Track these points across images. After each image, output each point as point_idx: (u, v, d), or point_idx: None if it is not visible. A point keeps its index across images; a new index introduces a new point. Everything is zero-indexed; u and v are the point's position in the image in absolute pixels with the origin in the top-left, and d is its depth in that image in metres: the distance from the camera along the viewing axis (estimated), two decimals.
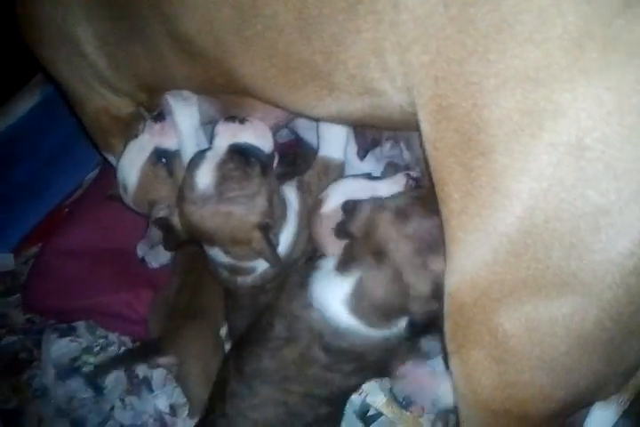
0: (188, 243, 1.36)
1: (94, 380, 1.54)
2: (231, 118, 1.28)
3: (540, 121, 0.74)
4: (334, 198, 1.24)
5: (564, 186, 0.74)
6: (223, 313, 1.52)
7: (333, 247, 1.20)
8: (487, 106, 0.77)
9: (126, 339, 1.67)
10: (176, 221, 1.28)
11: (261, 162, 1.24)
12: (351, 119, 1.12)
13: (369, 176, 1.30)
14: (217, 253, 1.31)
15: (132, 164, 1.38)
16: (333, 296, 1.14)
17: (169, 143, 1.38)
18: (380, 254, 1.10)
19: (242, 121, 1.27)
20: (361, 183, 1.25)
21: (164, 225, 1.32)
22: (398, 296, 1.11)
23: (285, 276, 1.30)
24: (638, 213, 0.72)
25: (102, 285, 1.66)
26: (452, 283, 0.87)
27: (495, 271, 0.82)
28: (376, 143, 1.33)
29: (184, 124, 1.36)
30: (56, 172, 2.04)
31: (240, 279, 1.36)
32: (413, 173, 1.26)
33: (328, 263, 1.19)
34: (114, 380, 1.59)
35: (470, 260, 0.84)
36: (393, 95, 0.96)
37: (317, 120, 1.31)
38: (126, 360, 1.53)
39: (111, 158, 1.55)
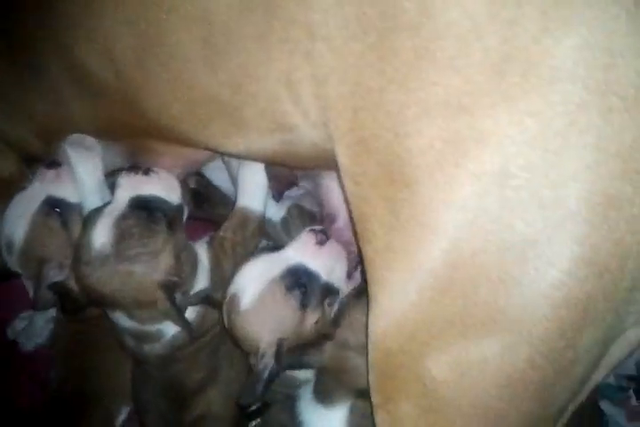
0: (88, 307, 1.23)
1: None
2: (134, 169, 1.19)
3: (464, 149, 0.72)
4: (250, 289, 1.09)
5: (489, 217, 0.72)
6: (120, 397, 1.36)
7: (269, 343, 1.07)
8: (409, 135, 0.75)
9: None
10: (72, 284, 1.16)
11: (167, 216, 1.15)
12: (260, 157, 1.07)
13: (270, 248, 1.19)
14: (120, 318, 1.19)
15: (19, 215, 1.24)
16: None
17: (64, 192, 1.27)
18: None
19: (146, 171, 1.18)
20: (269, 260, 1.13)
21: (60, 290, 1.19)
22: None
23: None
24: (566, 242, 0.70)
25: None
26: (376, 329, 0.82)
27: (422, 311, 0.78)
28: (290, 184, 1.27)
29: (86, 176, 1.25)
30: None
31: (147, 347, 1.23)
32: (317, 227, 1.19)
33: (305, 393, 1.11)
34: None
35: (396, 301, 0.79)
36: (306, 131, 0.93)
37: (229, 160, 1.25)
38: None
39: None
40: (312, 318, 1.10)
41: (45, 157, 1.32)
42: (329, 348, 1.08)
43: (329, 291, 1.12)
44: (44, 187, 1.27)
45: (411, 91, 0.74)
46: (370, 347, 0.84)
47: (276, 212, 1.38)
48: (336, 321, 1.10)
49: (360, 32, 0.77)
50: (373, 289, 0.82)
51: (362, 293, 1.07)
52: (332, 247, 1.15)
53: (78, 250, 1.14)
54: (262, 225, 1.28)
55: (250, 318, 1.08)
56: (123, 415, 1.38)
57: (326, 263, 1.13)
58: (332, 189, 1.21)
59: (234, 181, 1.29)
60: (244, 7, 0.87)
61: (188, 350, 1.24)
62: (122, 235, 1.11)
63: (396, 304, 0.79)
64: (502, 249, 0.72)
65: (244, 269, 1.12)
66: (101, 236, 1.11)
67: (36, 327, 1.51)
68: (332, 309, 1.13)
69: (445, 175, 0.73)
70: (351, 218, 0.86)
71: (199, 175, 1.43)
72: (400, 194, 0.77)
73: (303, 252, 1.13)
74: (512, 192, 0.71)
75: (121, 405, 1.37)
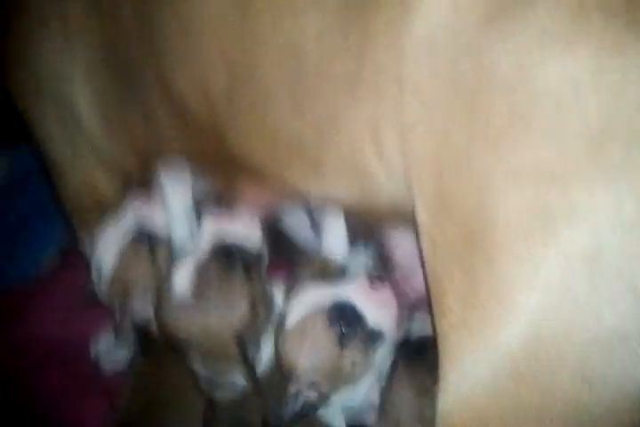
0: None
1: None
2: (217, 209, 1.20)
3: (554, 226, 0.66)
4: (295, 312, 1.09)
5: (575, 303, 0.65)
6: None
7: (305, 366, 1.06)
8: (495, 204, 0.69)
9: None
10: (154, 328, 1.19)
11: (246, 263, 1.14)
12: (338, 204, 1.06)
13: (330, 278, 1.17)
14: (195, 365, 1.19)
15: (109, 242, 1.25)
16: None
17: (154, 222, 1.27)
18: None
19: (230, 211, 1.18)
20: (321, 290, 1.11)
21: (142, 333, 1.22)
22: None
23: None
24: None
25: (48, 387, 1.50)
26: (445, 404, 0.76)
27: (494, 397, 0.72)
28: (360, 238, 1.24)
29: (175, 205, 1.26)
30: (8, 257, 1.88)
31: (218, 394, 1.22)
32: (375, 273, 1.16)
33: None
34: None
35: (467, 380, 0.73)
36: (386, 183, 0.89)
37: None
38: None
39: (86, 239, 1.42)
40: (350, 358, 1.07)
41: (141, 182, 1.34)
42: None
43: (373, 336, 1.09)
44: (134, 216, 1.27)
45: (500, 153, 0.69)
46: (437, 421, 0.78)
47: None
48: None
49: (450, 83, 0.73)
50: (445, 366, 0.77)
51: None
52: (385, 293, 1.12)
53: (160, 294, 1.16)
54: (343, 272, 1.24)
55: (290, 341, 1.08)
56: None
57: (375, 307, 1.09)
58: (399, 245, 1.18)
59: (313, 227, 1.27)
60: (337, 46, 0.85)
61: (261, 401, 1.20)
62: (201, 284, 1.11)
63: (467, 386, 0.74)
64: (587, 340, 0.65)
65: (298, 292, 1.13)
66: (182, 283, 1.12)
67: (119, 349, 1.51)
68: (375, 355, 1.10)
69: (531, 253, 0.67)
70: (426, 282, 0.81)
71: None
72: (481, 269, 0.72)
73: (355, 291, 1.10)
74: (603, 280, 0.63)
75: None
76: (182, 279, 1.12)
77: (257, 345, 1.15)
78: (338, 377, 1.08)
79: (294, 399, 1.04)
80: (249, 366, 1.12)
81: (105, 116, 1.26)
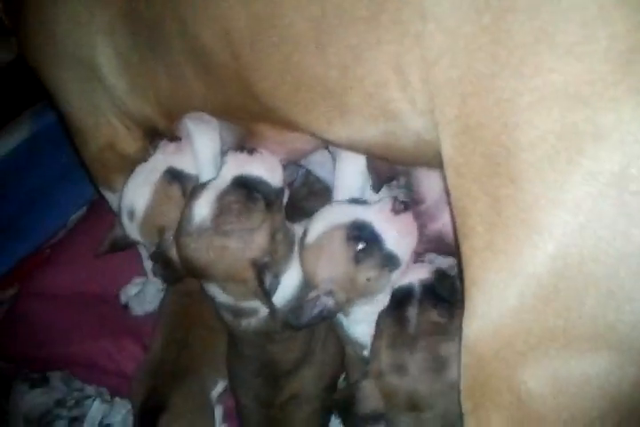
0: (186, 278, 1.28)
1: None
2: (240, 148, 1.21)
3: (579, 145, 0.65)
4: (316, 228, 1.14)
5: (603, 222, 0.65)
6: (217, 370, 1.39)
7: (323, 277, 1.12)
8: (519, 126, 0.69)
9: (103, 390, 1.55)
10: (174, 253, 1.22)
11: (266, 196, 1.17)
12: (362, 148, 1.05)
13: (355, 200, 1.21)
14: (215, 292, 1.23)
15: (142, 185, 1.29)
16: None
17: (184, 164, 1.31)
18: None
19: (251, 152, 1.20)
20: (344, 208, 1.16)
21: (162, 258, 1.25)
22: None
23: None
24: None
25: (80, 332, 1.55)
26: (470, 331, 0.77)
27: (521, 319, 0.72)
28: (391, 178, 1.25)
29: (204, 149, 1.29)
30: (39, 211, 1.95)
31: (244, 322, 1.25)
32: (400, 197, 1.19)
33: None
34: None
35: (493, 304, 0.74)
36: (410, 119, 0.88)
37: (330, 148, 1.25)
38: None
39: (109, 195, 1.48)
40: (365, 274, 1.11)
41: (167, 133, 1.37)
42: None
43: (389, 259, 1.12)
44: (165, 159, 1.31)
45: (525, 77, 0.68)
46: (463, 350, 0.79)
47: None
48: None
49: (473, 12, 0.72)
50: (470, 290, 0.77)
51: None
52: (406, 219, 1.15)
53: (181, 221, 1.18)
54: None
55: (309, 254, 1.15)
56: (219, 388, 1.40)
57: (394, 231, 1.13)
58: (427, 184, 1.19)
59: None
60: None
61: (287, 334, 1.24)
62: (221, 210, 1.14)
63: (493, 308, 0.74)
64: (615, 259, 0.65)
65: (321, 210, 1.17)
66: (202, 209, 1.15)
67: (148, 294, 1.57)
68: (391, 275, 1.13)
69: (557, 172, 0.67)
70: (452, 213, 0.81)
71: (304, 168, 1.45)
72: (504, 189, 0.71)
73: (376, 212, 1.14)
74: (631, 197, 0.63)
75: (217, 378, 1.40)
76: (203, 205, 1.15)
77: (276, 273, 1.19)
78: (353, 290, 1.12)
79: (313, 304, 1.11)
80: (265, 289, 1.14)
81: (128, 73, 1.25)
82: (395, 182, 1.28)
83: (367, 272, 1.11)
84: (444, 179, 0.80)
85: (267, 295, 1.14)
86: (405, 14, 0.80)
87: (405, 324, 1.08)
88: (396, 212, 1.13)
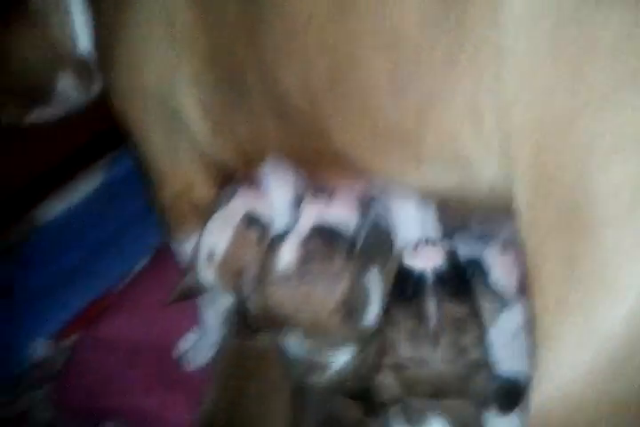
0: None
1: None
2: (318, 193, 1.23)
3: None
4: None
5: None
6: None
7: None
8: (596, 178, 0.66)
9: None
10: (251, 305, 1.21)
11: (346, 242, 1.18)
12: (435, 197, 1.04)
13: None
14: (292, 343, 1.22)
15: (222, 228, 1.29)
16: None
17: (261, 210, 1.31)
18: None
19: (329, 194, 1.21)
20: None
21: (240, 310, 1.26)
22: None
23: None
24: None
25: (133, 385, 1.54)
26: (537, 394, 0.73)
27: (593, 383, 0.68)
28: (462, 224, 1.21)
29: (281, 196, 1.30)
30: (105, 260, 1.98)
31: (315, 377, 1.24)
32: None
33: None
34: None
35: (563, 367, 0.70)
36: (484, 167, 0.87)
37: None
38: None
39: (178, 243, 1.49)
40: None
41: (243, 181, 1.38)
42: None
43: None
44: (244, 203, 1.31)
45: (603, 122, 0.65)
46: (530, 409, 0.74)
47: None
48: None
49: (553, 58, 0.70)
50: (541, 350, 0.73)
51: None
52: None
53: (262, 270, 1.19)
54: None
55: None
56: None
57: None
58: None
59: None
60: (437, 29, 0.84)
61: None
62: (305, 257, 1.15)
63: (564, 370, 0.70)
64: None
65: None
66: (286, 257, 1.16)
67: (203, 348, 1.54)
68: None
69: (633, 227, 0.64)
70: (527, 273, 0.77)
71: None
72: (579, 246, 0.68)
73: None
74: None
75: None
76: (286, 252, 1.16)
77: (359, 320, 1.18)
78: None
79: None
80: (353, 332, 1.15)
81: (210, 118, 1.29)
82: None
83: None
84: (518, 232, 0.78)
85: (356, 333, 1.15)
86: (483, 54, 0.78)
87: (424, 318, 1.04)
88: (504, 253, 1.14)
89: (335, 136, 1.06)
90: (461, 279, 1.08)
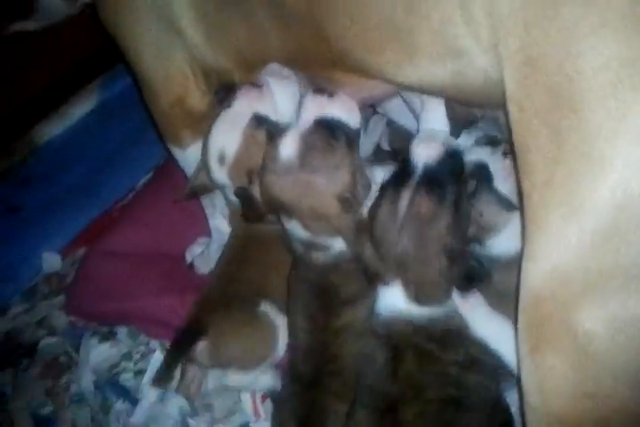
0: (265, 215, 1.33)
1: (162, 383, 1.42)
2: (319, 91, 1.25)
3: None
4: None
5: None
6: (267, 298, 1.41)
7: None
8: (582, 53, 0.68)
9: (167, 344, 1.57)
10: (256, 191, 1.28)
11: (347, 136, 1.22)
12: (433, 90, 1.05)
13: None
14: (294, 228, 1.27)
15: (231, 129, 1.33)
16: None
17: (267, 110, 1.34)
18: None
19: (330, 94, 1.24)
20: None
21: (244, 196, 1.32)
22: None
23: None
24: None
25: (146, 288, 1.60)
26: (528, 270, 0.77)
27: (579, 256, 0.71)
28: (469, 122, 1.25)
29: (284, 99, 1.34)
30: (108, 175, 2.03)
31: (315, 255, 1.29)
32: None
33: None
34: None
35: (551, 242, 0.73)
36: (476, 56, 0.89)
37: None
38: (179, 353, 1.37)
39: (177, 152, 1.51)
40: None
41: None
42: None
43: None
44: (250, 104, 1.34)
45: (588, 2, 0.67)
46: (521, 290, 0.79)
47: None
48: None
49: None
50: (529, 229, 0.77)
51: None
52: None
53: (266, 160, 1.24)
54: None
55: None
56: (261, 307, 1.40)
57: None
58: None
59: (415, 117, 1.31)
60: None
61: (351, 265, 1.26)
62: (306, 148, 1.19)
63: (551, 246, 0.74)
64: None
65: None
66: (288, 148, 1.20)
67: (212, 253, 1.60)
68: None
69: (619, 100, 0.66)
70: (513, 152, 0.81)
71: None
72: (565, 121, 0.70)
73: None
74: None
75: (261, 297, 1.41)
76: (288, 145, 1.20)
77: (358, 208, 1.23)
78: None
79: None
80: (349, 224, 1.20)
81: (206, 24, 1.28)
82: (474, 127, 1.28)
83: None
84: (507, 116, 0.79)
85: (350, 230, 1.20)
86: None
87: (396, 207, 1.11)
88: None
89: (331, 34, 1.08)
90: (444, 179, 1.12)
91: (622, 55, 0.66)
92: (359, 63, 1.09)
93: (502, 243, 1.19)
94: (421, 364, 1.12)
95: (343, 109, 1.24)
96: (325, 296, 1.29)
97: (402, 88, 1.17)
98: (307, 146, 1.19)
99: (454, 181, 1.13)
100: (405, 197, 1.11)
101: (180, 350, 1.34)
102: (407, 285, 1.14)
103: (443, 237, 1.10)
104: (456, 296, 1.15)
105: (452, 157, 1.16)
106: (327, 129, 1.20)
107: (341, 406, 1.21)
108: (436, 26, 0.90)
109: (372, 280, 1.18)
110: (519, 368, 0.82)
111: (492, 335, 1.14)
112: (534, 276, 0.76)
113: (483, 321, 1.15)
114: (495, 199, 1.17)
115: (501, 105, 0.84)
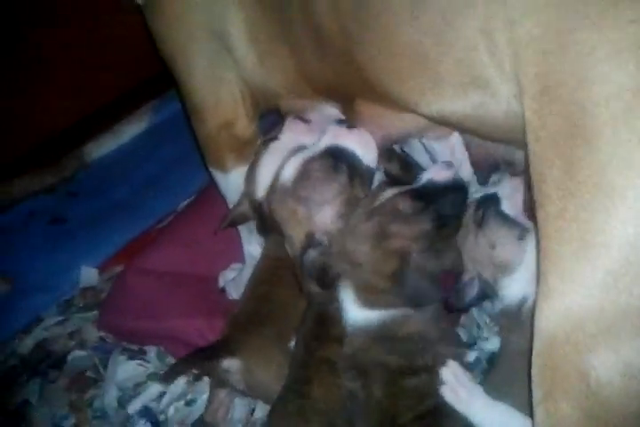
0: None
1: (166, 382, 1.47)
2: (342, 122, 1.27)
3: None
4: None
5: None
6: (292, 326, 1.39)
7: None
8: (595, 81, 0.68)
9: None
10: (265, 210, 1.30)
11: (352, 170, 1.21)
12: (453, 121, 1.04)
13: None
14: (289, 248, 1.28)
15: (277, 161, 1.34)
16: None
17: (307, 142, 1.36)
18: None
19: (351, 126, 1.25)
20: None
21: (258, 210, 1.34)
22: None
23: None
24: None
25: (177, 309, 1.62)
26: (542, 310, 0.75)
27: (592, 295, 0.70)
28: (494, 167, 1.24)
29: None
30: (152, 196, 2.07)
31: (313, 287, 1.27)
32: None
33: None
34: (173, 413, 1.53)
35: (565, 280, 0.72)
36: (499, 85, 0.88)
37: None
38: (193, 361, 1.41)
39: (219, 176, 1.52)
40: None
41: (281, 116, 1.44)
42: None
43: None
44: (296, 138, 1.37)
45: (604, 29, 0.68)
46: (535, 331, 0.77)
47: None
48: None
49: None
50: (543, 264, 0.75)
51: None
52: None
53: (273, 180, 1.27)
54: None
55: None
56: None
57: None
58: None
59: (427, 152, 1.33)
60: None
61: None
62: (302, 175, 1.20)
63: (565, 284, 0.72)
64: None
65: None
66: (288, 171, 1.23)
67: (244, 279, 1.60)
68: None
69: (632, 130, 0.66)
70: (530, 186, 0.79)
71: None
72: (578, 151, 0.70)
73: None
74: None
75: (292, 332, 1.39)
76: (289, 168, 1.22)
77: (322, 254, 1.21)
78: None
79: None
80: (302, 262, 1.20)
81: (257, 46, 1.31)
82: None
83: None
84: (525, 149, 0.79)
85: (302, 268, 1.19)
86: None
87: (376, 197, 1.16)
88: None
89: (360, 61, 1.09)
90: (438, 197, 1.15)
91: (635, 84, 0.66)
92: (385, 91, 1.09)
93: (518, 284, 1.15)
94: (389, 387, 1.10)
95: (359, 142, 1.24)
96: (320, 328, 1.28)
97: (423, 122, 1.16)
98: (304, 173, 1.20)
99: (446, 208, 1.15)
100: (390, 193, 1.14)
101: (196, 358, 1.36)
102: (357, 285, 1.15)
103: (406, 239, 1.11)
104: (446, 390, 1.08)
105: (458, 187, 1.18)
106: (332, 158, 1.21)
107: None
108: (461, 54, 0.90)
109: (330, 283, 1.19)
110: (533, 416, 0.80)
111: (479, 415, 1.07)
112: (548, 316, 0.74)
113: (483, 414, 1.07)
114: (505, 223, 1.15)
115: (520, 141, 0.83)
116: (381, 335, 1.15)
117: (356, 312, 1.17)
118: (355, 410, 1.15)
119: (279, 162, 1.33)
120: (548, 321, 0.74)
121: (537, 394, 0.78)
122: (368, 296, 1.15)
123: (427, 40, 0.94)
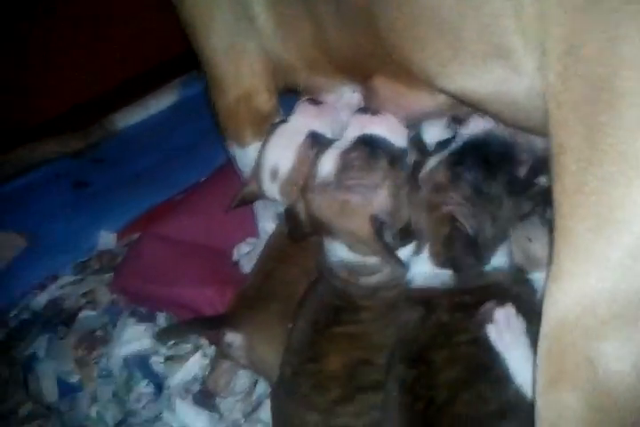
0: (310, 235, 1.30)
1: (162, 339, 1.49)
2: (364, 109, 1.26)
3: None
4: None
5: None
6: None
7: None
8: (624, 38, 0.64)
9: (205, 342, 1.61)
10: (301, 209, 1.26)
11: (389, 155, 1.20)
12: (474, 99, 1.00)
13: None
14: (338, 249, 1.24)
15: (286, 146, 1.34)
16: None
17: (324, 128, 1.36)
18: None
19: (375, 113, 1.24)
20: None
21: (290, 215, 1.29)
22: None
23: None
24: None
25: (189, 277, 1.63)
26: (552, 292, 0.71)
27: (607, 277, 0.66)
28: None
29: (340, 121, 1.35)
30: (176, 167, 2.10)
31: (363, 279, 1.23)
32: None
33: None
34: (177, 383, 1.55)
35: (578, 260, 0.68)
36: (522, 56, 0.83)
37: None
38: (196, 327, 1.44)
39: (236, 150, 1.50)
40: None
41: (299, 93, 1.43)
42: None
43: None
44: (306, 121, 1.36)
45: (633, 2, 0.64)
46: (543, 313, 0.72)
47: None
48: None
49: None
50: (557, 243, 0.71)
51: None
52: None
53: (307, 178, 1.23)
54: None
55: None
56: None
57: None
58: None
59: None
60: None
61: (389, 293, 1.22)
62: (344, 166, 1.18)
63: (579, 264, 0.68)
64: None
65: None
66: (326, 165, 1.20)
67: (257, 254, 1.63)
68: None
69: None
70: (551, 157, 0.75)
71: None
72: (602, 116, 0.66)
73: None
74: None
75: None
76: (326, 162, 1.20)
77: (395, 234, 1.19)
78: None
79: None
80: (384, 244, 1.15)
81: (277, 14, 1.28)
82: None
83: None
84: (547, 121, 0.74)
85: (388, 250, 1.15)
86: None
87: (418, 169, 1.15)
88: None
89: (381, 26, 1.05)
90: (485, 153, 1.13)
91: None
92: (404, 61, 1.05)
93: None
94: (452, 311, 1.10)
95: (387, 127, 1.23)
96: (333, 303, 1.25)
97: (442, 101, 1.15)
98: (344, 164, 1.18)
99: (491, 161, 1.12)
100: (432, 163, 1.14)
101: (197, 325, 1.39)
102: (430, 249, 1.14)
103: (451, 205, 1.10)
104: (492, 329, 1.07)
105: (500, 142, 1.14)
106: (367, 147, 1.19)
107: (310, 413, 1.16)
108: (486, 19, 0.85)
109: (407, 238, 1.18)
110: (535, 404, 0.75)
111: (513, 364, 1.05)
112: (558, 299, 0.70)
113: (516, 365, 1.05)
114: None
115: (541, 128, 0.80)
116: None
117: (429, 271, 1.15)
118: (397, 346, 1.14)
119: (288, 146, 1.33)
120: (557, 304, 0.70)
121: (540, 382, 0.73)
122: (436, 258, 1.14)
123: (450, 3, 0.90)
